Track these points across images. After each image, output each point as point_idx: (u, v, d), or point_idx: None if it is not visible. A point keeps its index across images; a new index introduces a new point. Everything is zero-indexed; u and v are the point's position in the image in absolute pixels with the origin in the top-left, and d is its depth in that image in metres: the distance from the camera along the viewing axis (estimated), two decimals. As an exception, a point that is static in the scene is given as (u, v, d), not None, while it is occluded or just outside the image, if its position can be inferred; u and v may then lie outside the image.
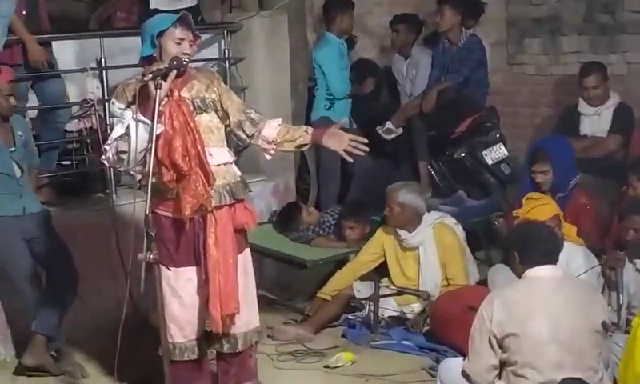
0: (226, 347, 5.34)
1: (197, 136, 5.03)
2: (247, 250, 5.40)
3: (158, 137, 4.93)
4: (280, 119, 5.45)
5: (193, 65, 5.34)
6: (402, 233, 7.00)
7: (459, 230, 7.14)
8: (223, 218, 5.16)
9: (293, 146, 5.41)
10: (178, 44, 5.10)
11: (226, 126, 5.34)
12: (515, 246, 5.09)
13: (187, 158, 5.03)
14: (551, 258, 5.06)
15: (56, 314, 6.27)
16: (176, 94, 5.10)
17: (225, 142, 5.36)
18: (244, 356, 5.35)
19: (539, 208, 6.42)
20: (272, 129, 5.34)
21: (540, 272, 4.96)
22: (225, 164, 5.23)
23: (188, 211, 5.07)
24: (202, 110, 5.18)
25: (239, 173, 5.35)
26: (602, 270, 6.11)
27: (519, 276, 5.06)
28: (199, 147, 5.03)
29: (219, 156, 5.21)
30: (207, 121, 5.21)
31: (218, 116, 5.28)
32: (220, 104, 5.28)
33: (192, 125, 5.03)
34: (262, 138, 5.35)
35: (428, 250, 6.98)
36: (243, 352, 5.33)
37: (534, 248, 5.03)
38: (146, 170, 4.84)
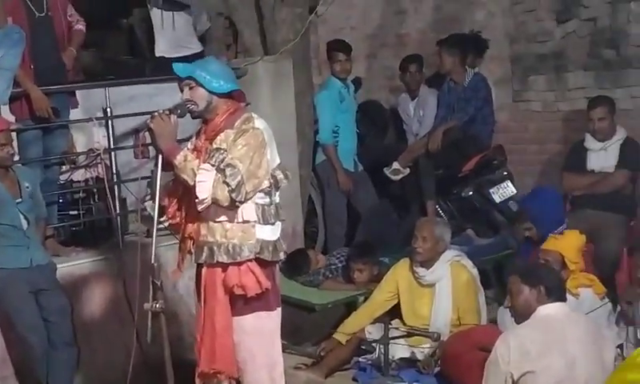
0: None
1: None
2: (261, 313, 5.15)
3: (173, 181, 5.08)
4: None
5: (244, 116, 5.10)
6: (420, 270, 6.99)
7: (475, 272, 7.12)
8: (212, 277, 5.08)
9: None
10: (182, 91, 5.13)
11: None
12: (544, 280, 5.11)
13: (181, 211, 5.13)
14: (565, 294, 5.22)
15: (69, 371, 6.26)
16: (199, 142, 5.15)
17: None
18: None
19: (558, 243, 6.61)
20: None
21: (553, 309, 5.05)
22: (225, 222, 5.04)
23: (180, 262, 5.27)
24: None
25: (260, 235, 5.05)
26: (620, 304, 6.12)
27: (527, 315, 5.07)
28: (192, 202, 5.00)
29: (217, 213, 5.02)
30: None
31: None
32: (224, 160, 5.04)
33: None
34: None
35: (443, 287, 6.96)
36: None
37: (559, 283, 5.21)
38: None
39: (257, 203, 5.04)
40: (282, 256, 5.25)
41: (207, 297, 5.11)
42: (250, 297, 5.05)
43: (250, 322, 5.13)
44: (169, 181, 5.11)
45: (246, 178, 4.88)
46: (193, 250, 5.19)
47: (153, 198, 5.12)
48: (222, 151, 4.96)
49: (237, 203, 4.92)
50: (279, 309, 5.30)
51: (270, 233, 5.12)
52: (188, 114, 5.09)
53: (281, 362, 5.32)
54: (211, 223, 5.06)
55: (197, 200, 4.91)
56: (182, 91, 5.12)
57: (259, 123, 5.09)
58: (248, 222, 5.04)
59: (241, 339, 5.12)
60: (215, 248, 5.04)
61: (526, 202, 7.73)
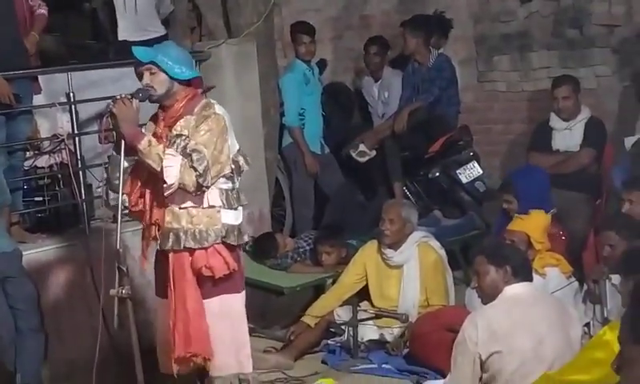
0: None
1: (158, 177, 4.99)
2: (228, 295, 5.20)
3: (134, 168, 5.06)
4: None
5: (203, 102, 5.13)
6: (388, 251, 7.00)
7: (443, 253, 7.14)
8: (180, 261, 5.08)
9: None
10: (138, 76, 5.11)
11: None
12: (510, 260, 5.12)
13: (144, 198, 5.12)
14: (531, 274, 5.23)
15: (37, 358, 6.21)
16: (158, 128, 5.13)
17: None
18: None
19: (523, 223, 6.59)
20: None
21: (520, 289, 5.05)
22: (191, 208, 5.05)
23: (144, 250, 5.28)
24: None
25: (225, 220, 5.09)
26: (586, 283, 6.15)
27: (493, 295, 5.08)
28: (156, 188, 5.01)
29: (183, 198, 5.02)
30: None
31: None
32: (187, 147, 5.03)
33: None
34: None
35: (411, 268, 6.97)
36: None
37: (525, 263, 5.21)
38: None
39: (221, 189, 5.08)
40: (246, 239, 5.33)
41: (176, 281, 5.09)
42: (217, 279, 5.09)
43: (217, 304, 5.15)
44: (127, 166, 5.08)
45: (211, 163, 4.89)
46: (158, 237, 5.18)
47: (109, 184, 5.18)
48: (183, 137, 4.97)
49: (203, 188, 4.93)
50: (244, 291, 5.36)
51: (234, 217, 5.15)
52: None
53: (248, 344, 5.34)
54: (176, 210, 5.05)
55: (165, 185, 4.89)
56: (138, 76, 5.10)
57: (219, 109, 5.11)
58: (213, 207, 5.07)
59: (209, 322, 5.12)
60: (182, 234, 5.04)
61: (515, 175, 7.55)
